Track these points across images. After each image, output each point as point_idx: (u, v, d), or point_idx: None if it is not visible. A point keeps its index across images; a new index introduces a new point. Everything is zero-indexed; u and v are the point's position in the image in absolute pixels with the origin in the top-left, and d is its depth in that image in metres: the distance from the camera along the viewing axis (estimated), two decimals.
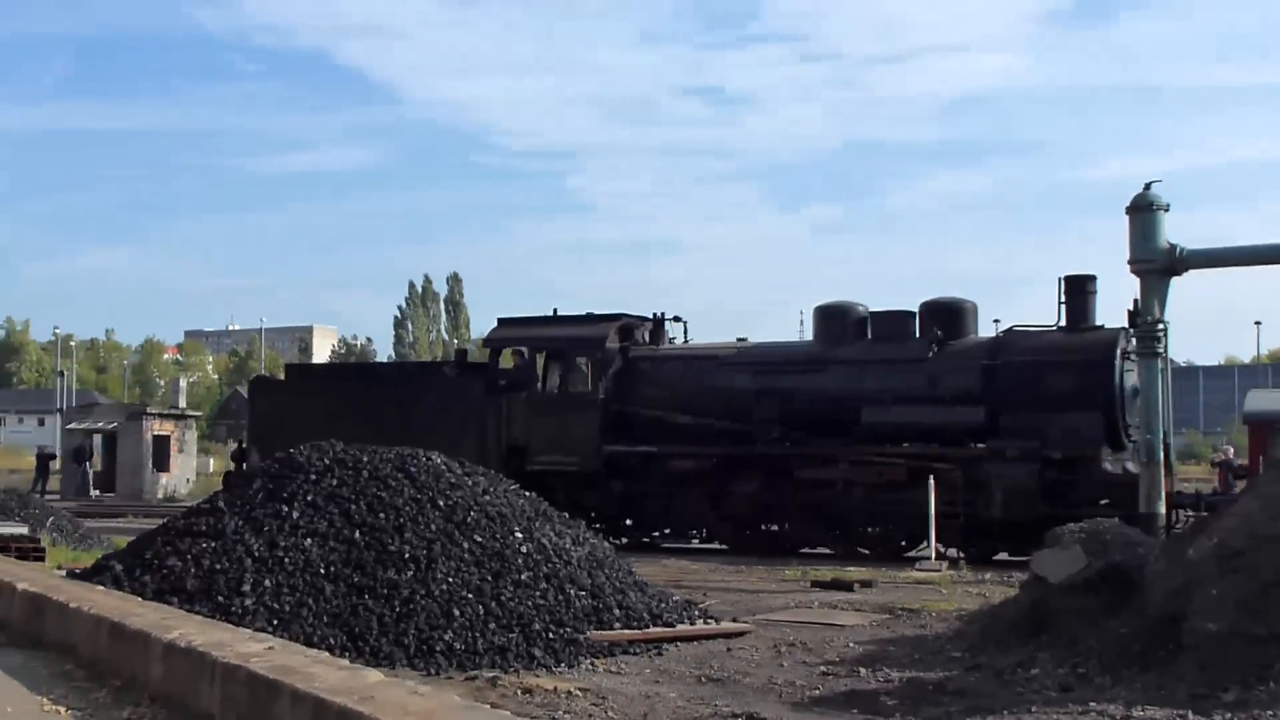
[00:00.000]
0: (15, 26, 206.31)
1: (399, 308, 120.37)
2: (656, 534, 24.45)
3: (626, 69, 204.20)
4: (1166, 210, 16.73)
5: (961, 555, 20.38)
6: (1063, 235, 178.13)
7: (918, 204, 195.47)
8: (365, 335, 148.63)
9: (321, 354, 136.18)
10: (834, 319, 23.50)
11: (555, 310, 26.23)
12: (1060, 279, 21.68)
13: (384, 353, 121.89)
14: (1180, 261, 16.62)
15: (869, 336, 23.11)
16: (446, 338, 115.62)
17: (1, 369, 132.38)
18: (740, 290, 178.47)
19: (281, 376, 34.10)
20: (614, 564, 12.67)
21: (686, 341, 26.20)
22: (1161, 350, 16.69)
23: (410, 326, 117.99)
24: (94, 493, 41.50)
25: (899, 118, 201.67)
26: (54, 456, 44.77)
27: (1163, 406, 16.82)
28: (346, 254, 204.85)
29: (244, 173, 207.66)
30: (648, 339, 25.68)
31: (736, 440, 23.27)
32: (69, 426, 43.84)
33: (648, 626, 11.64)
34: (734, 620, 13.07)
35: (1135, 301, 20.85)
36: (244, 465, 30.69)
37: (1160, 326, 16.63)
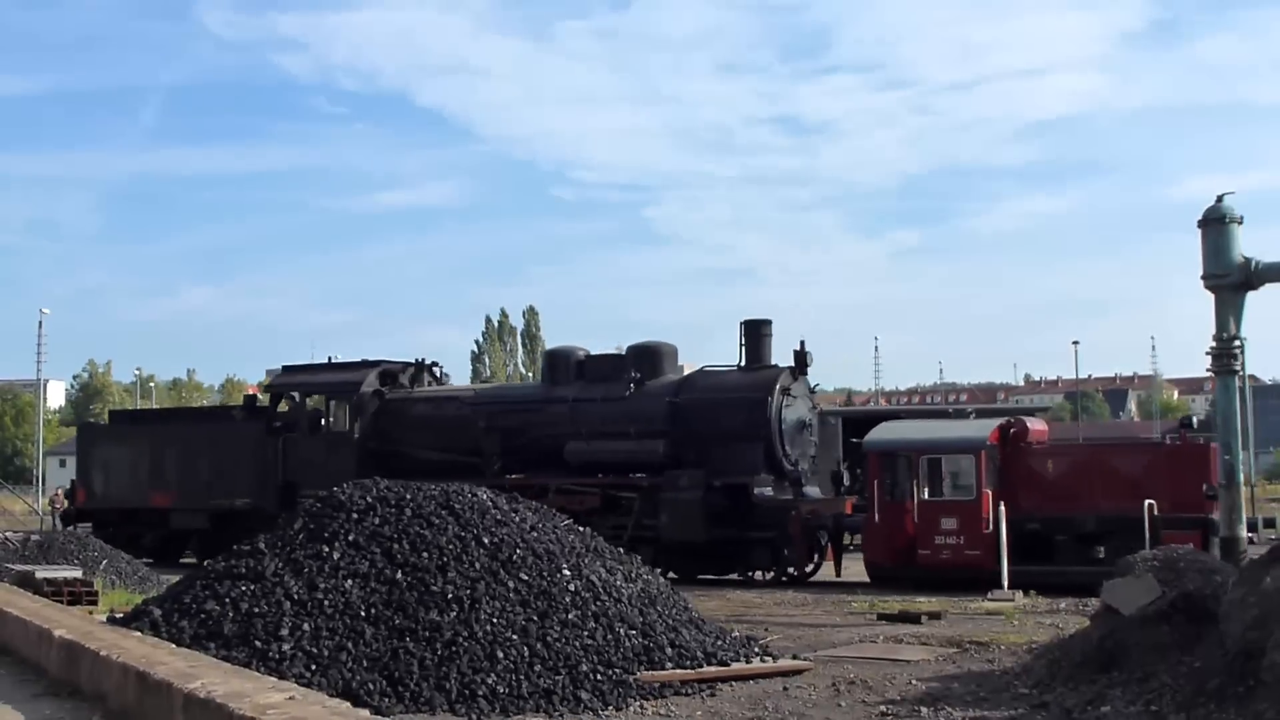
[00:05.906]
0: (107, 78, 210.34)
1: (476, 342, 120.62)
2: None
3: (701, 100, 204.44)
4: (1240, 223, 16.06)
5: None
6: (1144, 255, 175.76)
7: (996, 226, 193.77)
8: (445, 370, 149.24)
9: None
10: (558, 362, 26.44)
11: (330, 357, 30.15)
12: (741, 323, 24.23)
13: None
14: (1255, 275, 15.94)
15: (585, 378, 25.72)
16: (524, 370, 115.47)
17: (86, 411, 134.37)
18: (824, 317, 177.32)
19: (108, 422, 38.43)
20: (668, 600, 12.29)
21: (442, 383, 29.25)
22: (1238, 368, 15.97)
23: (488, 360, 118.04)
24: None
25: (976, 142, 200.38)
26: None
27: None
28: (428, 290, 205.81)
29: (325, 212, 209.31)
30: (409, 383, 28.38)
31: (470, 474, 24.93)
32: None
33: (701, 665, 11.24)
34: (794, 657, 12.67)
35: (801, 342, 23.87)
36: (72, 504, 33.27)
37: (1236, 343, 15.92)
